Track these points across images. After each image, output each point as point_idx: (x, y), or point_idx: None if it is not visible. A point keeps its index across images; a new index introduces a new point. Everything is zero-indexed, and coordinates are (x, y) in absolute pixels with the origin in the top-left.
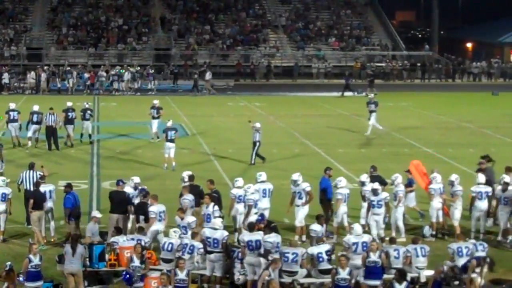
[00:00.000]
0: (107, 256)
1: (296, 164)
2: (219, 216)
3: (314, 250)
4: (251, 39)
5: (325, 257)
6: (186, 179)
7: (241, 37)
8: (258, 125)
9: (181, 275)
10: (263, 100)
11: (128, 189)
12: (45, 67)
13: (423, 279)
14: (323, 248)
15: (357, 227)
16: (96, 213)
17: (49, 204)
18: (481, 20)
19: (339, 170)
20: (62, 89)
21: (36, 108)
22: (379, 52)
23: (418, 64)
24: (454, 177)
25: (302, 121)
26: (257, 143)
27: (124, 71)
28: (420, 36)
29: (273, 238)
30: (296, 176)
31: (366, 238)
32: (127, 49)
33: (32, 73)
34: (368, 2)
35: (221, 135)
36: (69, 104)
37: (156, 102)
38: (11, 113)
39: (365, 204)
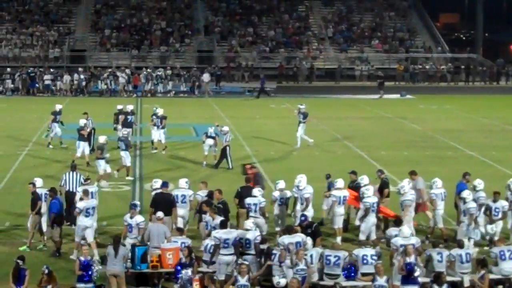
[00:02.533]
0: (149, 258)
1: (338, 166)
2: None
3: (360, 252)
4: (294, 41)
5: (370, 260)
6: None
7: (284, 39)
8: (226, 128)
9: (242, 280)
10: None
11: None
12: (82, 69)
13: (466, 284)
14: (369, 251)
15: (405, 229)
16: (160, 214)
17: (93, 203)
18: None
19: None
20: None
21: (128, 107)
22: (422, 55)
23: (462, 67)
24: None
25: (344, 123)
26: (227, 147)
27: (121, 73)
28: (464, 38)
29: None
30: (297, 180)
31: (414, 240)
32: (170, 51)
33: (75, 75)
34: (412, 4)
35: (264, 137)
36: (130, 107)
37: (159, 110)
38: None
39: (361, 206)
